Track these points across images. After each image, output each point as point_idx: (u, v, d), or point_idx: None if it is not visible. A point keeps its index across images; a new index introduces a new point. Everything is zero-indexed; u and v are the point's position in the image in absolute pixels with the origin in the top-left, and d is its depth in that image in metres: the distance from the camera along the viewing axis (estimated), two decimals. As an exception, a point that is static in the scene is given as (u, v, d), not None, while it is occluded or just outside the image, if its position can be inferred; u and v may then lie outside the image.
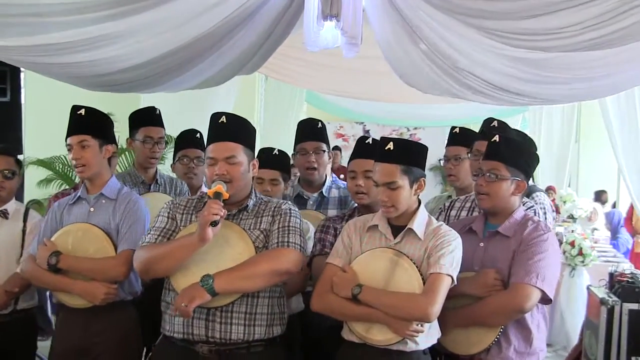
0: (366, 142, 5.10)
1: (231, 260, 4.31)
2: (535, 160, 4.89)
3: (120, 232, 5.02)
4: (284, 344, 4.68)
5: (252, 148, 4.62)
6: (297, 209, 4.66)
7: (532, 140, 6.01)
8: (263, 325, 4.43)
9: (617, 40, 4.70)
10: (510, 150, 4.67)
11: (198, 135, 6.56)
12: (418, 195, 4.50)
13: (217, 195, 4.28)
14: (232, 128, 4.51)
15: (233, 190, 4.40)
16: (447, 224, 4.74)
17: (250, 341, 4.40)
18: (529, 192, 5.93)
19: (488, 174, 4.65)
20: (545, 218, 5.49)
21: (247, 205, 4.55)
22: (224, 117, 4.51)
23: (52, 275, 4.95)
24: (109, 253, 4.97)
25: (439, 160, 6.20)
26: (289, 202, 4.72)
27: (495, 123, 5.77)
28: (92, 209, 5.10)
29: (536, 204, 5.53)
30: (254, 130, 4.72)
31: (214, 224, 4.18)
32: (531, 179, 5.05)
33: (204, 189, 6.80)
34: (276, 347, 4.57)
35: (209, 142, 4.53)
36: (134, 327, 5.19)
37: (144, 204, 5.22)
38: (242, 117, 4.65)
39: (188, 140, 6.59)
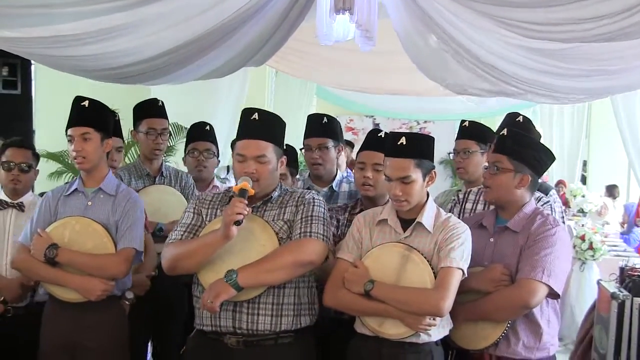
0: (378, 135, 5.10)
1: (256, 253, 4.33)
2: (549, 157, 4.87)
3: (119, 229, 4.99)
4: (314, 336, 4.67)
5: (282, 145, 4.62)
6: (321, 199, 4.65)
7: (536, 131, 5.97)
8: (290, 315, 4.44)
9: (632, 34, 4.70)
10: (515, 143, 4.66)
11: (208, 127, 6.56)
12: (428, 188, 4.51)
13: (243, 192, 4.29)
14: (264, 126, 4.50)
15: (260, 187, 4.42)
16: (461, 218, 4.75)
17: (278, 332, 4.41)
18: (545, 189, 5.91)
19: (491, 167, 4.67)
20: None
21: (272, 197, 4.56)
22: (256, 114, 4.50)
23: (47, 267, 4.92)
24: (108, 249, 4.94)
25: (449, 153, 6.16)
26: (313, 192, 4.73)
27: (520, 118, 5.75)
28: (89, 203, 5.07)
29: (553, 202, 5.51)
30: (284, 126, 4.70)
31: (237, 223, 4.19)
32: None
33: (216, 182, 6.82)
34: (305, 338, 4.57)
35: (239, 138, 4.53)
36: (124, 323, 5.18)
37: (142, 203, 5.21)
38: (274, 114, 4.67)
39: (197, 133, 6.61)
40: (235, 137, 4.57)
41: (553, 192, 5.93)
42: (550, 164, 4.94)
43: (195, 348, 4.59)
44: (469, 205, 5.51)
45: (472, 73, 6.66)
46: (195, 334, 4.62)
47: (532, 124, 5.83)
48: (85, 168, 5.07)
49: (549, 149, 4.92)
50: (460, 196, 5.62)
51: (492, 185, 4.67)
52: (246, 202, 4.25)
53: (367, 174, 5.02)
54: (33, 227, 5.09)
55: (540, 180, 4.95)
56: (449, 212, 5.38)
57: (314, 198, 4.56)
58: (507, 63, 6.31)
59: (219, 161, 7.02)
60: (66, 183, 6.71)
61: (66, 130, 5.06)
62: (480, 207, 5.46)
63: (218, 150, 6.79)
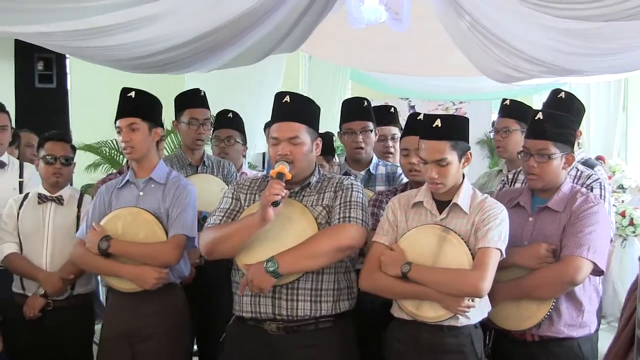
0: (417, 118, 5.05)
1: (294, 238, 4.36)
2: (578, 126, 4.85)
3: (170, 216, 5.02)
4: (354, 320, 4.68)
5: (316, 127, 4.63)
6: (359, 184, 4.66)
7: (581, 105, 5.88)
8: (330, 301, 4.46)
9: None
10: (556, 126, 4.61)
11: (230, 114, 6.58)
12: (464, 169, 4.49)
13: (280, 176, 4.31)
14: (296, 108, 4.52)
15: (295, 170, 4.43)
16: (496, 197, 4.73)
17: (317, 317, 4.43)
18: (592, 165, 5.86)
19: (538, 155, 4.60)
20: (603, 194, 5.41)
21: (310, 182, 4.58)
22: (287, 96, 4.53)
23: (102, 259, 4.97)
24: (159, 238, 4.97)
25: (490, 131, 6.13)
26: (352, 178, 4.72)
27: (562, 94, 5.69)
28: (141, 193, 5.11)
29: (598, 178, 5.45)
30: (318, 109, 4.71)
31: (275, 204, 4.22)
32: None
33: (245, 169, 6.83)
34: (345, 322, 4.59)
35: (272, 122, 4.56)
36: (183, 310, 5.21)
37: (194, 189, 5.22)
38: (306, 97, 4.71)
39: (219, 121, 6.66)
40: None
41: (599, 168, 5.88)
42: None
43: (235, 335, 4.62)
44: (517, 186, 5.46)
45: (495, 57, 6.64)
46: (234, 321, 4.65)
47: (575, 98, 5.75)
48: (134, 158, 5.12)
49: (576, 115, 4.90)
50: (510, 176, 5.58)
51: (542, 174, 4.61)
52: (283, 184, 4.26)
53: (412, 160, 5.00)
54: (89, 221, 5.15)
55: (586, 156, 4.92)
56: (498, 192, 5.37)
57: (352, 184, 4.56)
58: (531, 45, 6.26)
59: (246, 148, 7.03)
60: (110, 173, 6.78)
61: (115, 122, 5.10)
62: None
63: (245, 137, 6.80)
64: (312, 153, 4.57)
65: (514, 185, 5.46)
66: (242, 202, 4.63)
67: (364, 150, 5.94)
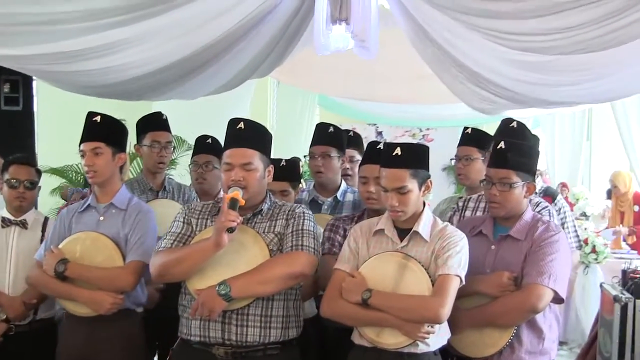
0: (377, 147, 5.10)
1: (246, 264, 4.37)
2: (538, 156, 4.92)
3: (129, 242, 5.01)
4: (300, 348, 4.70)
5: (268, 155, 4.67)
6: (311, 213, 4.69)
7: (536, 137, 5.99)
8: (279, 327, 4.47)
9: (614, 42, 4.73)
10: (517, 155, 4.67)
11: (209, 140, 6.58)
12: (425, 197, 4.53)
13: (234, 201, 4.32)
14: (250, 134, 4.56)
15: (248, 195, 4.44)
16: (457, 224, 4.76)
17: (266, 344, 4.44)
18: (552, 194, 5.94)
19: (500, 184, 4.66)
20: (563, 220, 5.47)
21: (262, 209, 4.60)
22: (242, 123, 4.56)
23: (58, 282, 4.95)
24: (116, 263, 4.96)
25: (451, 160, 6.18)
26: (303, 206, 4.75)
27: (514, 124, 5.76)
28: (101, 218, 5.10)
29: (561, 207, 5.51)
30: (271, 136, 4.76)
31: (230, 230, 4.24)
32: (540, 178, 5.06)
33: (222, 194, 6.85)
34: (292, 350, 4.60)
35: (226, 147, 4.58)
36: (139, 335, 5.20)
37: (154, 216, 5.23)
38: (259, 124, 4.71)
39: (198, 146, 6.61)
40: None
41: (560, 197, 5.95)
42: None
43: (181, 358, 4.63)
44: (468, 213, 5.52)
45: (467, 84, 6.71)
46: (180, 343, 4.65)
47: (527, 128, 5.85)
48: (97, 182, 5.11)
49: (536, 145, 4.95)
50: (460, 204, 5.64)
51: (503, 202, 4.67)
52: (237, 212, 4.30)
53: (370, 188, 5.04)
54: (48, 244, 5.14)
55: (545, 185, 4.96)
56: (449, 220, 5.41)
57: (304, 212, 4.61)
58: (496, 74, 6.33)
59: None
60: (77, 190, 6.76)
61: (79, 145, 5.09)
62: (479, 214, 5.46)
63: None
64: (265, 180, 4.61)
65: (464, 213, 5.53)
66: (194, 226, 4.64)
67: (324, 175, 5.95)
